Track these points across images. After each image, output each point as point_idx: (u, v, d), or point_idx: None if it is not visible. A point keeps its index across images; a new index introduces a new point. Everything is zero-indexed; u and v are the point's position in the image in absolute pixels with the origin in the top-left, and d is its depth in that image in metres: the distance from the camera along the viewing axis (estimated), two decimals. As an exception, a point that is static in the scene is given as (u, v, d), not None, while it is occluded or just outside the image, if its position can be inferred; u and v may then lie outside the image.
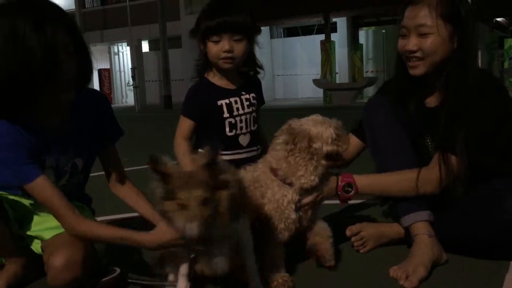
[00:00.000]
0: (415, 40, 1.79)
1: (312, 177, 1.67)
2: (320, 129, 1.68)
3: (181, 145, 1.92)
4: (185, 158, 1.85)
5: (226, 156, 1.95)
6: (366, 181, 1.85)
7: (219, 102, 1.97)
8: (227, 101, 1.98)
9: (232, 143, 1.98)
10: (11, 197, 1.66)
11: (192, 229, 1.25)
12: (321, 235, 1.78)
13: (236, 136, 1.99)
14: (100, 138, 1.80)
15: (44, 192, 1.57)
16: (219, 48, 1.89)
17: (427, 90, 1.92)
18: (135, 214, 1.87)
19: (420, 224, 1.81)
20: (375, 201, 2.61)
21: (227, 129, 1.98)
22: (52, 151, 1.66)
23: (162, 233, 1.45)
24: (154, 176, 1.28)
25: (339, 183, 1.81)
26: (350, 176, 1.83)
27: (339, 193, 1.82)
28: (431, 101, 1.92)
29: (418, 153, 1.91)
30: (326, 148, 1.67)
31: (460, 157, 1.74)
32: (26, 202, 1.68)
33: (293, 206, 1.69)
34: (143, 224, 1.74)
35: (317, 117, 1.72)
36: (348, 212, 2.63)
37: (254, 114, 2.05)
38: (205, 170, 1.28)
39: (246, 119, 2.01)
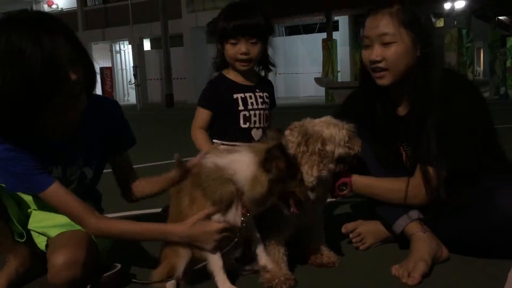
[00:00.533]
0: (379, 50, 1.77)
1: (312, 179, 1.64)
2: (333, 131, 1.67)
3: (199, 134, 2.08)
4: (207, 144, 2.02)
5: None
6: (360, 184, 1.84)
7: (235, 96, 2.08)
8: (242, 95, 2.08)
9: (245, 136, 2.04)
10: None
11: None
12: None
13: (250, 129, 2.08)
14: (111, 146, 1.79)
15: (59, 198, 1.57)
16: (236, 50, 2.02)
17: (396, 99, 1.91)
18: (145, 211, 1.86)
19: (412, 224, 1.82)
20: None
21: (241, 121, 2.07)
22: (59, 161, 1.66)
23: (205, 224, 1.53)
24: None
25: (336, 182, 1.81)
26: (347, 175, 1.82)
27: (333, 189, 1.82)
28: (401, 110, 1.91)
29: (395, 162, 1.92)
30: (339, 151, 1.67)
31: (436, 167, 1.72)
32: (27, 198, 1.69)
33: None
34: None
35: (330, 119, 1.72)
36: (347, 211, 2.64)
37: (266, 111, 2.14)
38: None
39: (259, 114, 2.10)
